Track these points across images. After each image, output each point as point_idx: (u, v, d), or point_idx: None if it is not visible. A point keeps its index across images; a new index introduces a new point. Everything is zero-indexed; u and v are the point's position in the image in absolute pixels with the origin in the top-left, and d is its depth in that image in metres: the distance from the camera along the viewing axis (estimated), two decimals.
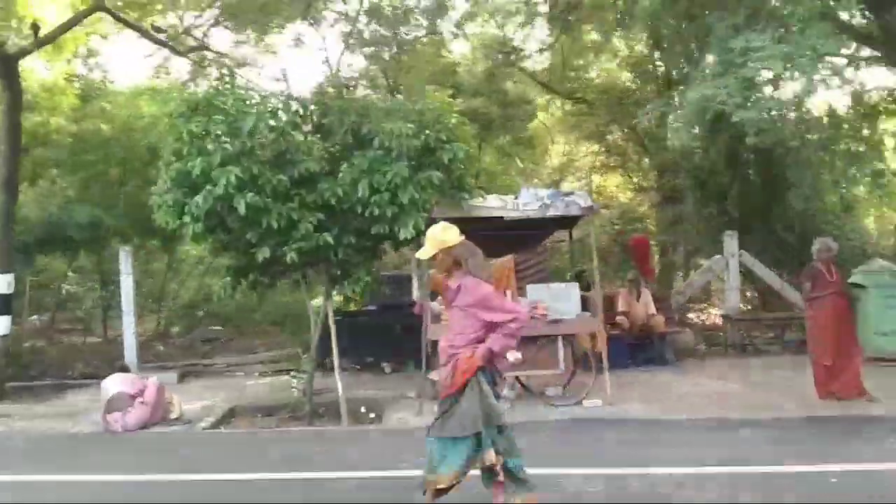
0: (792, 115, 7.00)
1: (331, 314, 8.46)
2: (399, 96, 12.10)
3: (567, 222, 9.37)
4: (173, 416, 8.21)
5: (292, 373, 9.39)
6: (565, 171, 23.62)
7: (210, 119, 7.29)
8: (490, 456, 4.32)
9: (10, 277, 10.30)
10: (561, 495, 5.01)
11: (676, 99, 7.57)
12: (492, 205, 8.23)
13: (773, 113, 6.17)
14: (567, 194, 8.44)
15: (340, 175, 7.47)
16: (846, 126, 8.99)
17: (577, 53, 18.39)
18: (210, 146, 7.16)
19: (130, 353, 11.50)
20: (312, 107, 7.86)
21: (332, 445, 7.03)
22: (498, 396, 4.53)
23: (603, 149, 22.14)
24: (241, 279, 8.39)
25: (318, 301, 11.56)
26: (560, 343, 8.24)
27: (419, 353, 10.99)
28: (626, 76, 20.00)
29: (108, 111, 14.27)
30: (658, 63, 16.72)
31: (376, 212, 7.45)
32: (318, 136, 7.90)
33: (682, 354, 11.43)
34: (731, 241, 12.29)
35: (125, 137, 13.96)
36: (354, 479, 5.69)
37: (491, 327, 4.35)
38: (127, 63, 21.36)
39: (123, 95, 15.50)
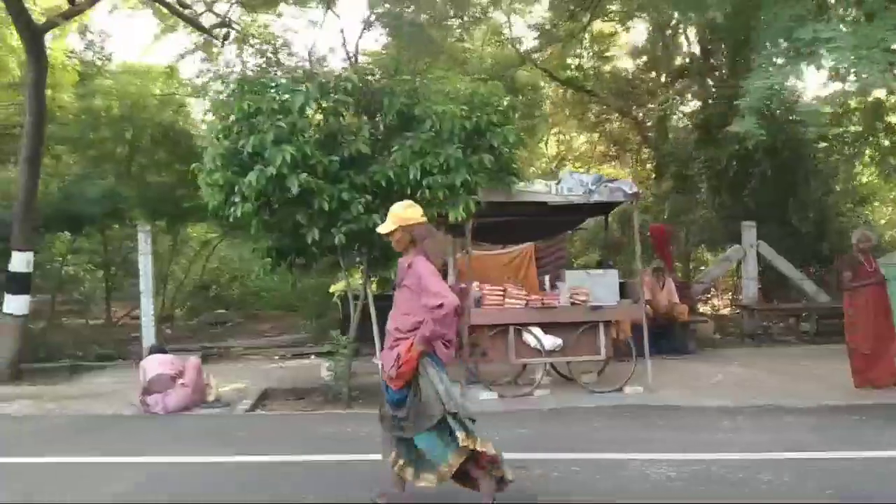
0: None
1: (370, 297, 8.38)
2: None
3: (600, 209, 9.36)
4: (210, 398, 8.10)
5: (328, 356, 9.26)
6: (563, 160, 23.66)
7: (262, 97, 7.15)
8: (461, 437, 4.19)
9: (29, 256, 10.09)
10: (642, 482, 5.03)
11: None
12: (537, 189, 8.19)
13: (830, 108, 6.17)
14: (611, 181, 8.44)
15: (392, 157, 7.38)
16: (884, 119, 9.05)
17: (579, 41, 18.44)
18: (265, 124, 7.03)
19: (148, 335, 11.34)
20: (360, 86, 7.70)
21: (372, 427, 6.95)
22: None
23: (602, 138, 22.26)
24: (281, 261, 8.30)
25: (340, 285, 11.53)
26: (601, 330, 8.25)
27: None
28: (630, 65, 20.12)
29: (116, 89, 13.96)
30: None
31: (427, 194, 7.38)
32: (365, 117, 7.80)
33: (700, 343, 11.56)
34: (749, 231, 12.42)
35: (136, 116, 13.69)
36: None
37: (428, 311, 4.21)
38: (132, 40, 21.03)
39: (131, 73, 15.18)
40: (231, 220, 7.78)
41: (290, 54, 14.06)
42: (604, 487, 4.90)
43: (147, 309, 11.31)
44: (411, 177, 7.34)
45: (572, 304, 8.25)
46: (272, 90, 7.27)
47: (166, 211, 13.86)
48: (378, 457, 4.75)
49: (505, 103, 7.83)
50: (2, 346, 9.91)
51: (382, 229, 4.53)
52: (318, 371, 10.34)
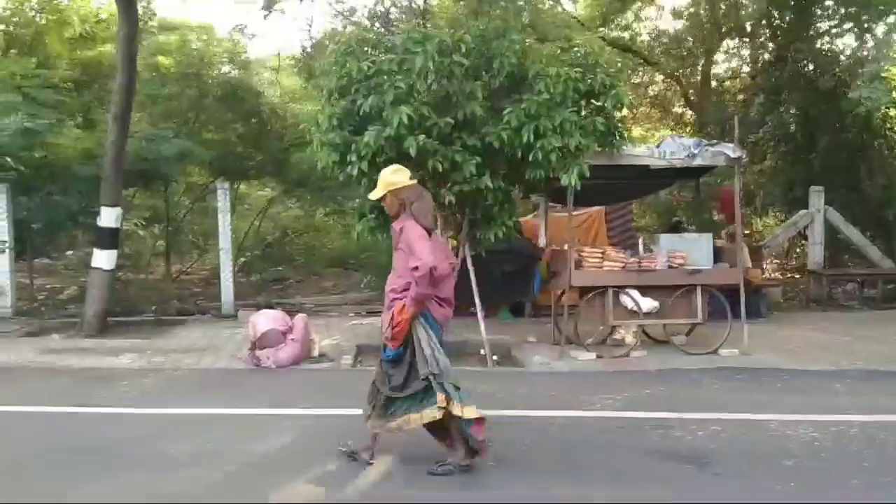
0: None
1: (469, 259, 8.48)
2: None
3: (692, 173, 9.38)
4: (315, 353, 8.26)
5: None
6: None
7: (381, 57, 7.16)
8: (440, 398, 4.34)
9: (118, 211, 10.18)
10: (788, 442, 5.17)
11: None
12: (640, 153, 8.21)
13: None
14: (712, 144, 8.44)
15: (505, 119, 7.40)
16: None
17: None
18: (385, 85, 7.05)
19: (227, 292, 11.52)
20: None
21: (500, 385, 7.11)
22: (442, 343, 4.52)
23: (647, 101, 22.06)
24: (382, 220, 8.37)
25: None
26: (699, 293, 8.34)
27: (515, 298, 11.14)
28: (674, 26, 19.83)
29: (177, 46, 13.90)
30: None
31: (539, 156, 7.42)
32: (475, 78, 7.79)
33: (768, 307, 11.65)
34: (817, 196, 12.41)
35: (202, 73, 13.66)
36: (561, 417, 5.81)
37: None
38: None
39: (188, 29, 15.10)
40: (341, 178, 7.89)
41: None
42: (762, 448, 5.03)
43: (226, 265, 11.46)
44: (525, 139, 7.38)
45: (669, 267, 8.34)
46: (390, 50, 7.25)
47: (229, 168, 13.96)
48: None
49: (618, 65, 7.80)
50: (91, 300, 10.06)
51: (373, 195, 4.66)
52: None
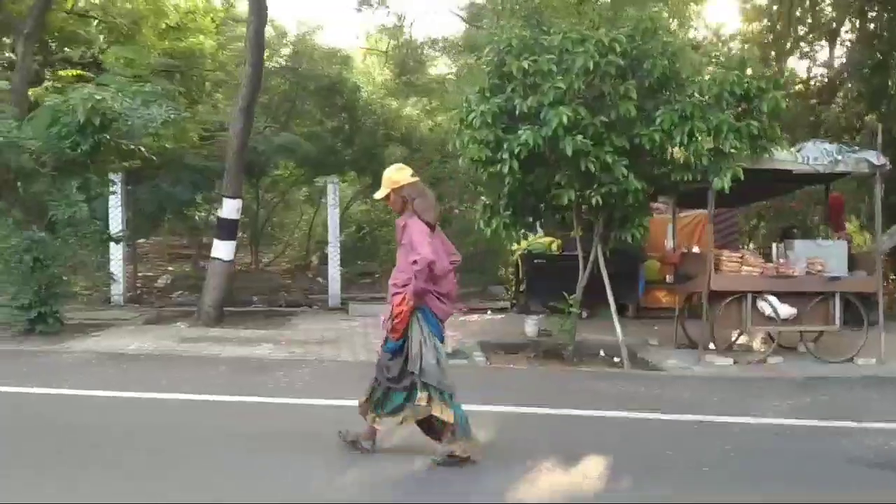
0: None
1: (601, 259, 8.48)
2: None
3: (819, 179, 9.26)
4: (448, 349, 8.27)
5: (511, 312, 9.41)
6: None
7: (540, 57, 7.17)
8: (421, 396, 4.43)
9: (238, 203, 10.34)
10: None
11: None
12: (783, 158, 8.12)
13: None
14: (853, 150, 8.34)
15: (658, 120, 7.37)
16: None
17: None
18: (544, 85, 7.07)
19: (334, 285, 11.65)
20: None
21: (648, 387, 7.12)
22: (441, 339, 4.61)
23: None
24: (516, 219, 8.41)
25: (523, 244, 11.60)
26: (836, 300, 8.25)
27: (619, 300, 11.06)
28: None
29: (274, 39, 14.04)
30: None
31: (691, 160, 7.39)
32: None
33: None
34: None
35: (300, 67, 13.80)
36: (735, 423, 5.78)
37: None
38: None
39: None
40: (484, 177, 7.92)
41: None
42: None
43: (334, 259, 11.59)
44: (677, 140, 7.35)
45: (807, 273, 8.25)
46: (548, 50, 7.26)
47: (322, 162, 14.07)
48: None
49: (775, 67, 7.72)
50: (209, 289, 10.23)
51: (377, 195, 4.75)
52: (507, 325, 10.63)
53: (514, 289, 12.62)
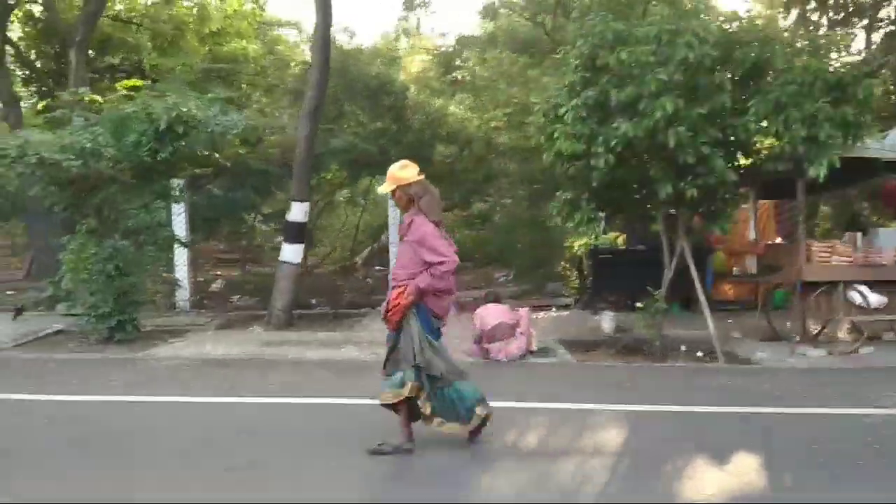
0: None
1: (688, 252, 8.39)
2: None
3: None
4: (534, 347, 8.24)
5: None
6: None
7: (636, 48, 7.09)
8: (408, 389, 4.53)
9: (306, 206, 10.29)
10: None
11: None
12: (871, 145, 8.03)
13: None
14: None
15: (752, 110, 7.28)
16: None
17: None
18: (646, 76, 6.99)
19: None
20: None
21: (745, 381, 7.03)
22: (438, 335, 4.67)
23: None
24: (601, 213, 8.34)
25: (584, 239, 11.54)
26: None
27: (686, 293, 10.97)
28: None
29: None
30: None
31: (786, 148, 7.30)
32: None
33: None
34: None
35: (345, 68, 13.70)
36: (864, 415, 5.69)
37: (427, 266, 4.46)
38: None
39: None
40: (570, 172, 7.85)
41: None
42: None
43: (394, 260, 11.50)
44: (772, 130, 7.27)
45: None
46: (648, 42, 7.17)
47: (369, 162, 14.00)
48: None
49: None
50: (280, 293, 10.17)
51: (382, 190, 4.85)
52: (576, 322, 10.55)
53: (577, 285, 12.52)
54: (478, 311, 8.25)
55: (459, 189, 14.32)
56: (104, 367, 7.63)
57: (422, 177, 4.73)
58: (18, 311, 10.42)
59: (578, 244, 11.50)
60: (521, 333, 7.97)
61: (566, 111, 7.42)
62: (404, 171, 4.70)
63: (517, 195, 13.57)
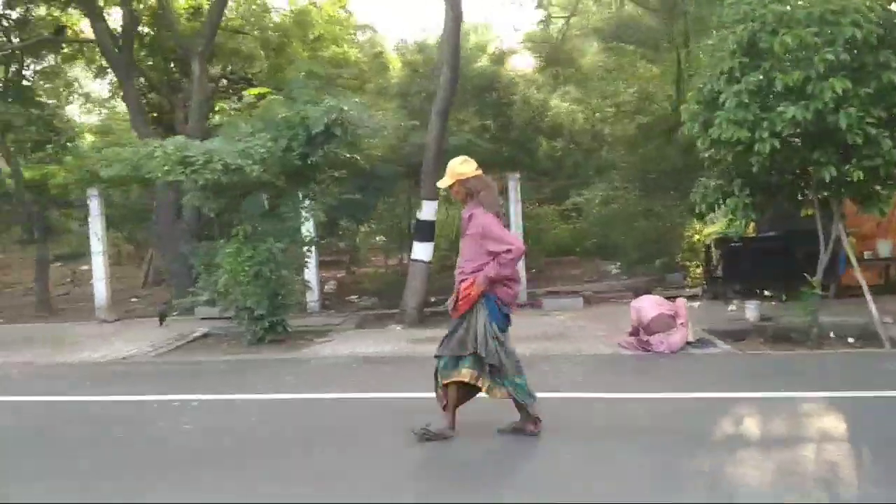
0: None
1: (844, 237, 8.18)
2: None
3: None
4: (691, 338, 8.13)
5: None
6: None
7: (800, 30, 6.94)
8: (466, 374, 4.70)
9: (435, 205, 10.39)
10: None
11: None
12: None
13: None
14: None
15: None
16: None
17: None
18: (814, 58, 6.84)
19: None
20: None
21: None
22: (507, 324, 4.82)
23: None
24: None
25: (713, 228, 11.36)
26: None
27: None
28: None
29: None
30: None
31: None
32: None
33: None
34: None
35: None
36: None
37: (493, 256, 4.59)
38: None
39: None
40: (731, 157, 7.74)
41: None
42: None
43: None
44: None
45: None
46: (805, 23, 7.02)
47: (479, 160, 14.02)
48: None
49: None
50: (412, 291, 10.30)
51: (441, 184, 4.95)
52: (711, 312, 10.39)
53: (699, 274, 12.34)
54: (633, 303, 8.21)
55: (565, 182, 14.24)
56: (275, 367, 7.84)
57: (480, 172, 4.87)
58: (162, 317, 10.79)
59: (706, 233, 11.30)
60: (682, 324, 7.88)
61: (726, 98, 7.31)
62: (464, 167, 4.83)
63: (631, 186, 13.41)
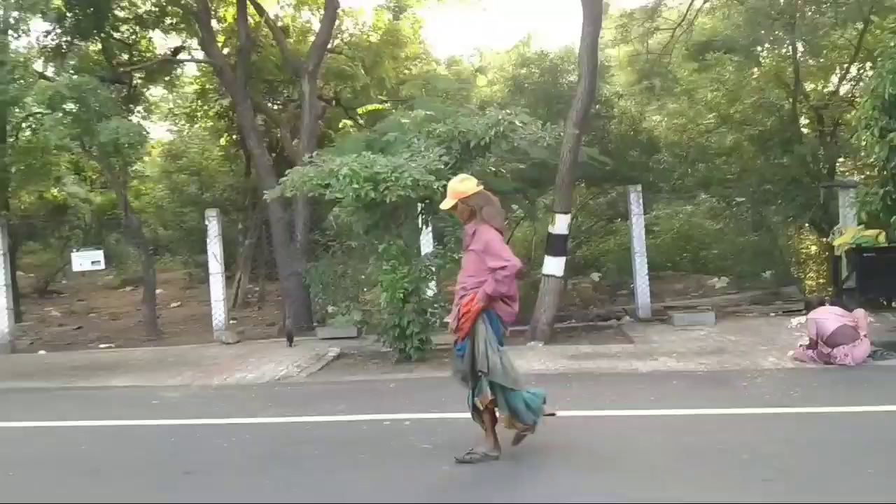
0: None
1: None
2: None
3: None
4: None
5: None
6: None
7: None
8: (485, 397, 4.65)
9: (568, 218, 10.23)
10: None
11: None
12: None
13: None
14: None
15: None
16: None
17: None
18: None
19: (643, 296, 11.41)
20: None
21: None
22: (502, 342, 4.74)
23: None
24: None
25: (845, 237, 11.10)
26: None
27: None
28: None
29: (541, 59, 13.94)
30: None
31: None
32: None
33: None
34: None
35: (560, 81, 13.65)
36: None
37: (492, 272, 4.56)
38: None
39: None
40: None
41: None
42: None
43: (641, 269, 11.36)
44: None
45: None
46: None
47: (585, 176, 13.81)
48: None
49: None
50: (544, 307, 10.11)
51: (444, 206, 4.92)
52: None
53: (833, 286, 12.04)
54: (810, 315, 7.98)
55: (668, 195, 14.00)
56: (439, 386, 7.56)
57: (481, 188, 4.85)
58: (290, 338, 10.68)
59: (837, 243, 11.04)
60: (865, 336, 7.64)
61: None
62: (464, 185, 4.82)
63: (739, 198, 13.17)
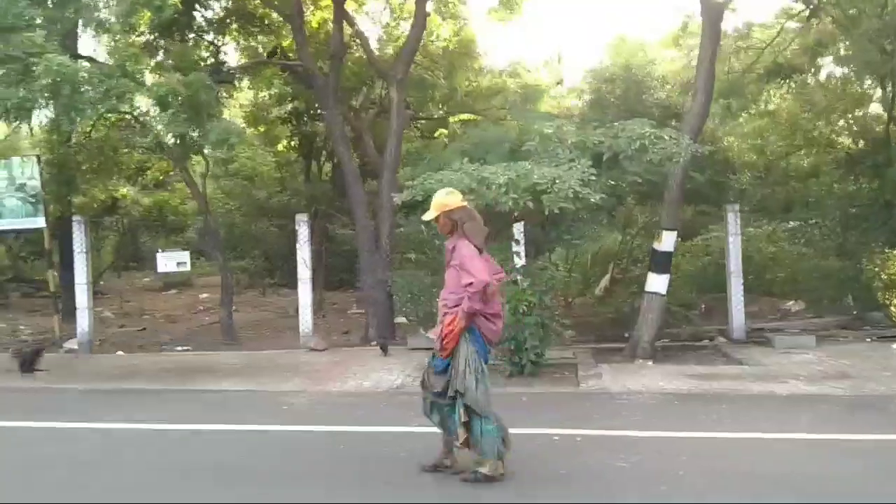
0: None
1: None
2: None
3: None
4: None
5: None
6: None
7: None
8: (461, 413, 4.68)
9: (674, 235, 10.10)
10: None
11: None
12: None
13: None
14: None
15: None
16: None
17: None
18: None
19: (738, 316, 11.25)
20: None
21: None
22: (486, 360, 4.81)
23: None
24: None
25: None
26: None
27: None
28: None
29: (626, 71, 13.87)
30: None
31: None
32: None
33: None
34: None
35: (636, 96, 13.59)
36: None
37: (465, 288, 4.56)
38: None
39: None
40: None
41: None
42: None
43: (737, 289, 11.20)
44: None
45: None
46: None
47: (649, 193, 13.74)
48: None
49: None
50: (647, 325, 9.98)
51: (426, 217, 4.91)
52: None
53: None
54: None
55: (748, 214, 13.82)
56: (575, 401, 7.59)
57: (465, 203, 4.90)
58: (385, 347, 10.51)
59: None
60: None
61: None
62: (449, 198, 4.83)
63: (821, 220, 13.01)
